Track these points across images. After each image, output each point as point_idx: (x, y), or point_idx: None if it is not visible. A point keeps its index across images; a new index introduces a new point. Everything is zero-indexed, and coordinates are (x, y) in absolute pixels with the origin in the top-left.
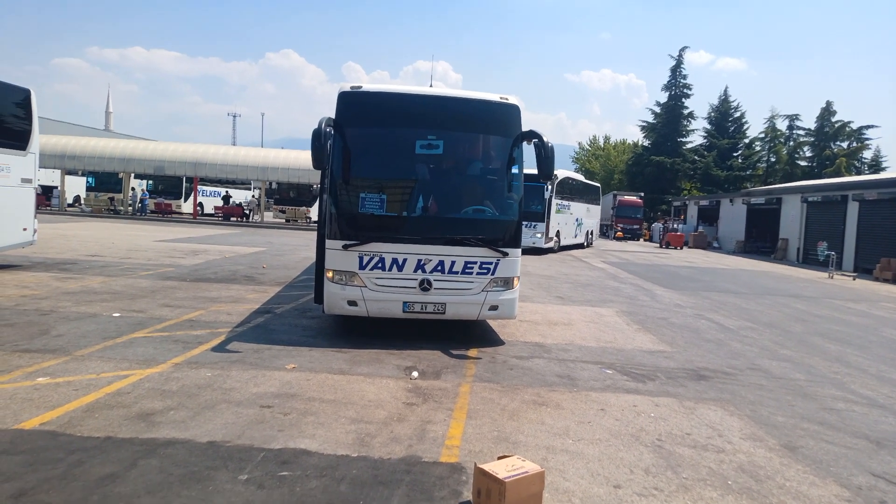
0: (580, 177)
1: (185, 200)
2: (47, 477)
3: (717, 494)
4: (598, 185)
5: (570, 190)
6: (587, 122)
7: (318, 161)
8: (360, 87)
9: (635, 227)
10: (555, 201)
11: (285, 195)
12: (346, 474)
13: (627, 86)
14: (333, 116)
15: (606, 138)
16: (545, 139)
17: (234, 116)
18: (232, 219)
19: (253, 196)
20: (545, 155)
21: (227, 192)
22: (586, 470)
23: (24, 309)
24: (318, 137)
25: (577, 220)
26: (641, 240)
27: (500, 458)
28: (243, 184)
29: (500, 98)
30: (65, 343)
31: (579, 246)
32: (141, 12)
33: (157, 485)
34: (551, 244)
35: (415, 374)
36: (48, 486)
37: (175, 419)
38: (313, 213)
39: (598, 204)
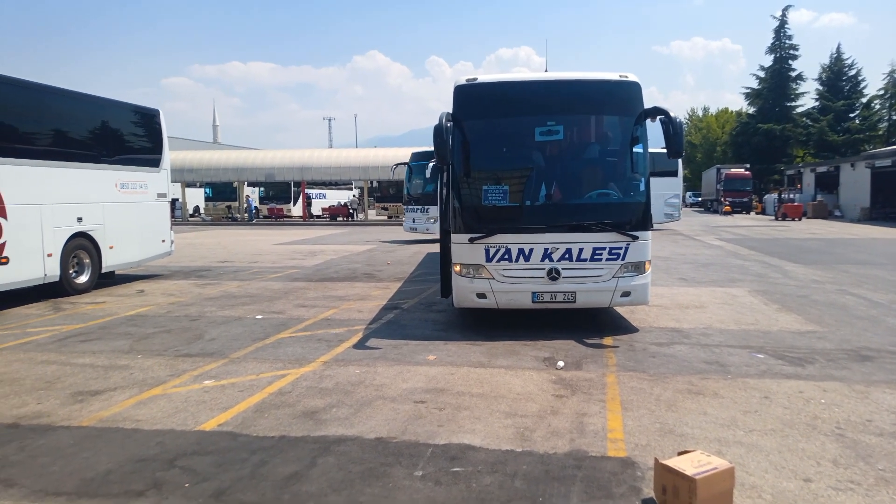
0: None
1: (295, 204)
2: (238, 477)
3: None
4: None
5: None
6: (680, 94)
7: (442, 157)
8: (476, 78)
9: (744, 199)
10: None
11: (385, 192)
12: (517, 470)
13: (721, 52)
14: (451, 111)
15: (706, 109)
16: (672, 114)
17: (330, 120)
18: (338, 218)
19: (354, 195)
20: (673, 131)
21: (301, 192)
22: (769, 463)
23: (175, 315)
24: (440, 133)
25: None
26: (753, 213)
27: (680, 453)
28: (345, 184)
29: (620, 76)
30: (219, 346)
31: None
32: (235, 28)
33: (339, 482)
34: None
35: (560, 363)
36: (241, 486)
37: (339, 416)
38: None
39: (673, 175)
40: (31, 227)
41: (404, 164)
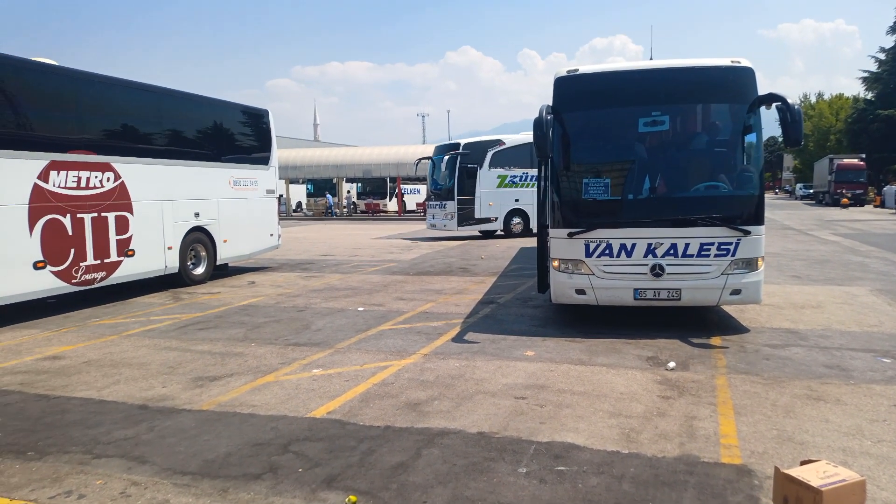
0: None
1: (390, 199)
2: (348, 464)
3: None
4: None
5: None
6: (788, 79)
7: (542, 151)
8: (577, 69)
9: (859, 192)
10: (482, 174)
11: None
12: (625, 472)
13: (834, 34)
14: (551, 103)
15: (819, 95)
16: (790, 101)
17: (423, 116)
18: None
19: None
20: (791, 119)
21: (396, 187)
22: None
23: (283, 306)
24: (540, 126)
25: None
26: (871, 206)
27: (803, 462)
28: None
29: (732, 62)
30: (325, 337)
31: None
32: (334, 29)
33: (444, 475)
34: (483, 227)
35: (672, 364)
36: (351, 473)
37: (441, 409)
38: None
39: None
40: (154, 221)
41: (428, 158)
